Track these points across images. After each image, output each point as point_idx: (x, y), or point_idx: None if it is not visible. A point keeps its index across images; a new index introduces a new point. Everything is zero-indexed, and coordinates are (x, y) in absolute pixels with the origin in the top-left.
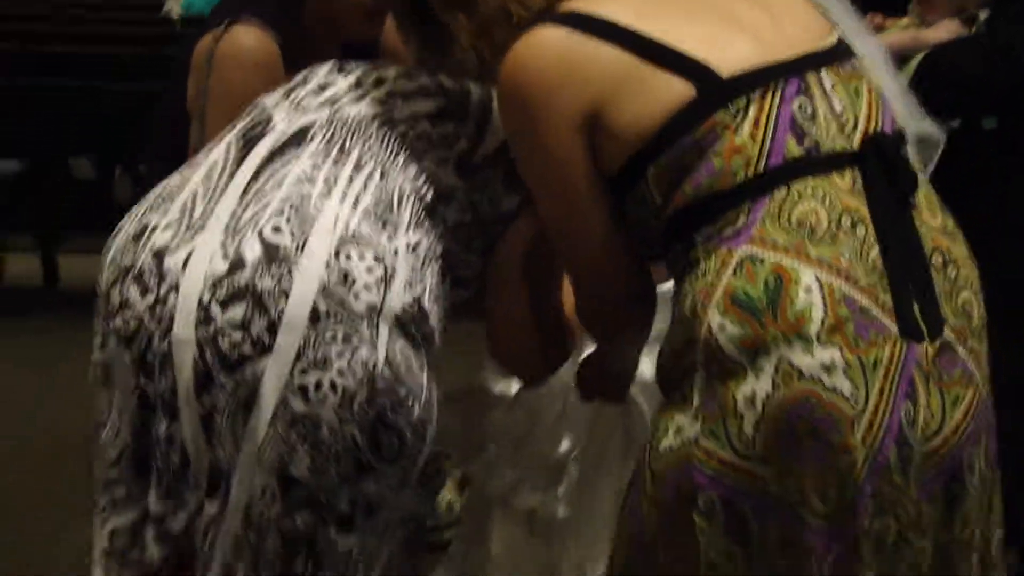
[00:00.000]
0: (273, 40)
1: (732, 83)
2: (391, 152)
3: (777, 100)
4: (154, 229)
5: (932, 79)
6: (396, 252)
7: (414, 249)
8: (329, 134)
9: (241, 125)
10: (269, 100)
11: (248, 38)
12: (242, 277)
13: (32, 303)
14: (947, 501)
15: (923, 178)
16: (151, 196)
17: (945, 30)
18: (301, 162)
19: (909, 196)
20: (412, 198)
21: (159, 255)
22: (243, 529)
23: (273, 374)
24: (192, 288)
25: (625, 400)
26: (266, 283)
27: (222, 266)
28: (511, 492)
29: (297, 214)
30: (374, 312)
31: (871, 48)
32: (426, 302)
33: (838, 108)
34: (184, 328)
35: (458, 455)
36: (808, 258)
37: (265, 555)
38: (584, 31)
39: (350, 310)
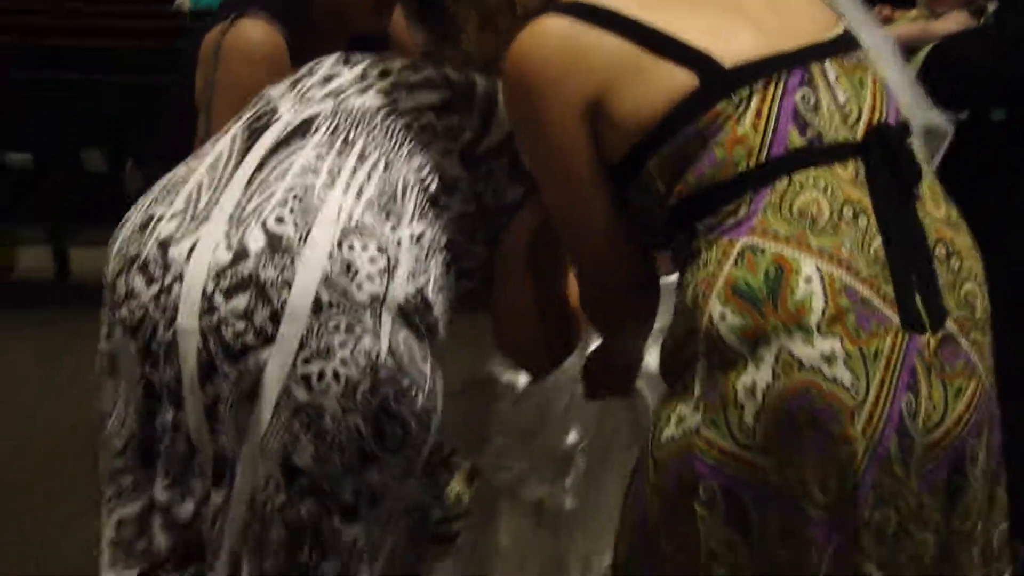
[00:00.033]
0: (280, 33)
1: (735, 73)
2: (395, 143)
3: (780, 91)
4: (159, 219)
5: (940, 71)
6: (399, 242)
7: (418, 240)
8: (333, 125)
9: (247, 116)
10: (275, 91)
11: (255, 31)
12: (245, 267)
13: (44, 296)
14: (949, 493)
15: (927, 169)
16: (157, 187)
17: (954, 21)
18: (305, 153)
19: (912, 187)
20: (416, 189)
21: (164, 245)
22: (248, 518)
23: (276, 364)
24: (196, 278)
25: (631, 394)
26: (269, 273)
27: (226, 256)
28: (519, 484)
29: (301, 204)
30: (377, 302)
31: (878, 39)
32: (430, 292)
33: (842, 99)
34: (188, 318)
35: (466, 447)
36: (809, 248)
37: (270, 544)
38: (588, 21)
39: (353, 300)
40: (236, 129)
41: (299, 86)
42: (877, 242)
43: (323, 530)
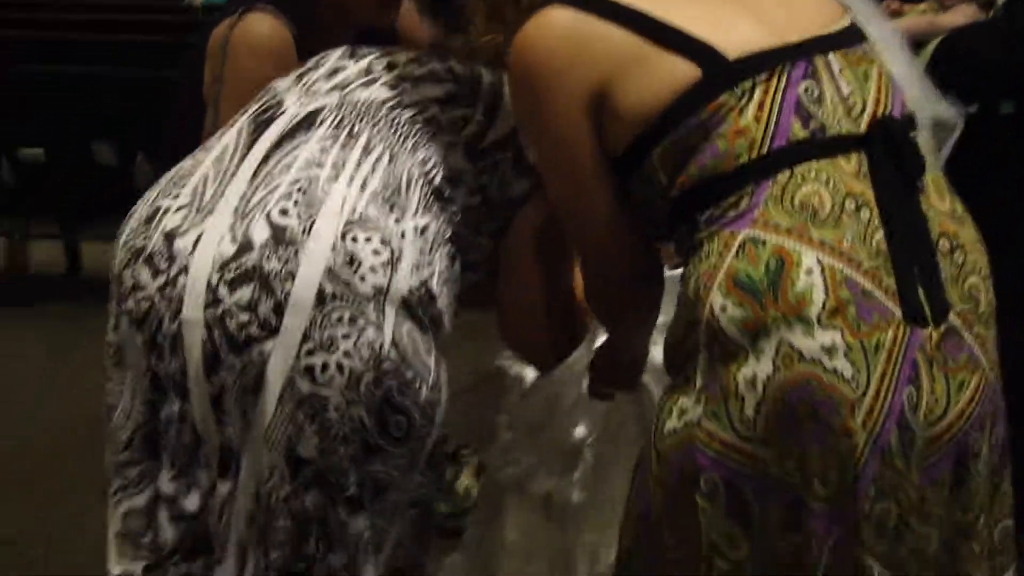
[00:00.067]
0: (287, 28)
1: (738, 65)
2: (400, 136)
3: (783, 83)
4: (165, 212)
5: (949, 64)
6: (403, 235)
7: (422, 232)
8: (338, 118)
9: (253, 109)
10: (281, 84)
11: (262, 26)
12: (249, 259)
13: (56, 290)
14: (951, 487)
15: (932, 162)
16: (164, 179)
17: (962, 14)
18: (310, 146)
19: (916, 180)
20: (420, 182)
21: (170, 237)
22: (254, 509)
23: (280, 355)
24: (201, 270)
25: (638, 388)
26: (272, 265)
27: (230, 248)
28: (527, 477)
29: (305, 197)
30: (380, 294)
31: (886, 33)
32: (434, 285)
33: (845, 92)
34: (193, 309)
35: (474, 441)
36: (810, 240)
37: (276, 535)
38: (592, 12)
39: (356, 292)
40: (242, 122)
41: (305, 79)
42: (879, 235)
43: (329, 522)
